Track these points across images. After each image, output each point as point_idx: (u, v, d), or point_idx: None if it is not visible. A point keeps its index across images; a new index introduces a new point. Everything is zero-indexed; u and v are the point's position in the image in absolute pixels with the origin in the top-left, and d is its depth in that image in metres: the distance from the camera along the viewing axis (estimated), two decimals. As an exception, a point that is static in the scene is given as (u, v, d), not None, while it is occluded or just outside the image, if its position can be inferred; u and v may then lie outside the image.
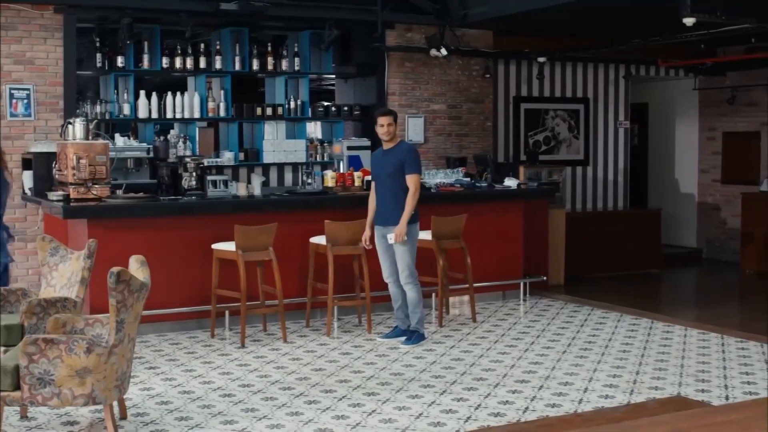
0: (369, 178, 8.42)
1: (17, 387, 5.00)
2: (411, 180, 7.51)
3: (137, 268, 5.44)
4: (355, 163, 10.17)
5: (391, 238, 7.50)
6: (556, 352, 7.34)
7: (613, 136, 13.13)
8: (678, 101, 14.16)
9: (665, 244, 13.48)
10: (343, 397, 6.04)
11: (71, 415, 5.62)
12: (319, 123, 11.62)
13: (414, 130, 10.94)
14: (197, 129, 10.47)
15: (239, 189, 8.98)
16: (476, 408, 5.77)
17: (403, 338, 7.71)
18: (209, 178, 9.02)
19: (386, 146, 7.72)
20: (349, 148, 10.49)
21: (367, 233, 7.80)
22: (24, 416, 5.58)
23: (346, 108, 10.92)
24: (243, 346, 7.52)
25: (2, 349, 5.70)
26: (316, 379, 6.51)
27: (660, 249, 12.51)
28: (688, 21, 7.97)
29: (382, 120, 7.65)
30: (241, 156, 10.44)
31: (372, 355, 7.27)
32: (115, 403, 5.44)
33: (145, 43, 9.84)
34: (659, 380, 6.44)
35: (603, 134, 13.05)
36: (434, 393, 6.13)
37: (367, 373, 6.69)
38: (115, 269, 5.01)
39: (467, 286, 8.60)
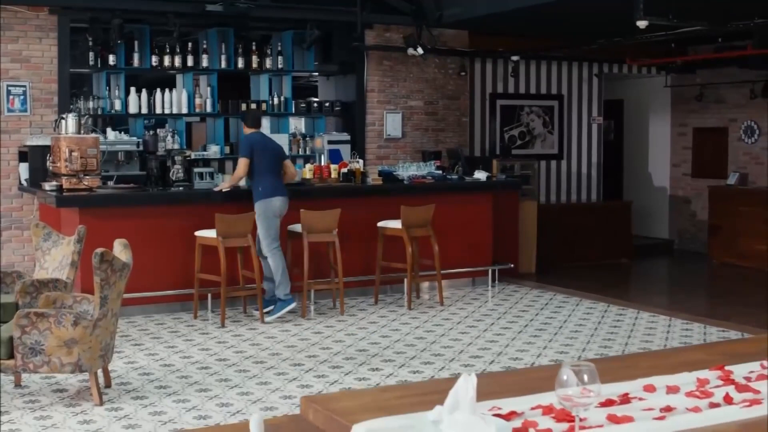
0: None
1: (11, 356, 5.57)
2: (239, 161, 8.62)
3: (120, 250, 6.00)
4: (335, 156, 10.74)
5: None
6: (513, 331, 7.91)
7: (586, 131, 13.67)
8: (651, 98, 14.71)
9: (639, 236, 14.06)
10: (310, 369, 6.61)
11: (60, 384, 6.19)
12: (302, 118, 12.13)
13: (392, 125, 11.49)
14: (192, 123, 11.04)
15: (224, 180, 9.54)
16: (429, 379, 6.34)
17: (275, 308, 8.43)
18: (196, 170, 9.57)
19: None
20: (330, 142, 11.08)
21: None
22: (18, 384, 6.14)
23: (327, 104, 11.48)
24: (223, 326, 8.09)
25: (-2, 324, 6.26)
26: (286, 354, 7.08)
27: (631, 240, 13.06)
28: (641, 24, 8.49)
29: None
30: (227, 149, 10.99)
31: (342, 334, 7.84)
32: (100, 373, 6.00)
33: (136, 43, 10.39)
34: (602, 356, 7.00)
35: (577, 130, 13.59)
36: (393, 366, 6.70)
37: (335, 349, 7.27)
38: (99, 250, 5.58)
39: (435, 272, 9.16)
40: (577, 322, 8.28)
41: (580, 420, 2.57)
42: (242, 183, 9.61)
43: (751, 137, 13.22)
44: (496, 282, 10.29)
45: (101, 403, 5.71)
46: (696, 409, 2.79)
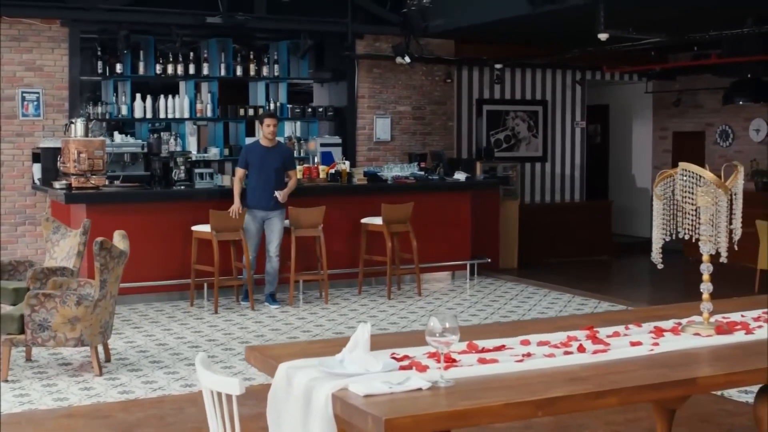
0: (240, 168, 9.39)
1: (22, 331, 6.36)
2: (295, 172, 9.42)
3: (119, 239, 6.78)
4: (327, 158, 11.51)
5: (280, 195, 9.13)
6: (480, 318, 8.66)
7: (570, 135, 14.38)
8: (634, 103, 15.43)
9: (622, 234, 14.77)
10: (288, 348, 7.37)
11: (66, 359, 6.98)
12: (297, 122, 12.89)
13: (382, 129, 12.25)
14: (200, 127, 11.81)
15: (223, 180, 10.32)
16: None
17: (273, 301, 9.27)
18: (197, 170, 10.35)
19: (267, 144, 9.15)
20: (322, 144, 11.85)
21: (239, 206, 9.12)
22: (28, 359, 6.93)
23: (321, 109, 12.26)
24: (216, 312, 8.87)
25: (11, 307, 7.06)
26: (269, 336, 7.86)
27: (611, 238, 13.76)
28: (602, 36, 9.21)
29: (272, 121, 9.14)
30: (226, 151, 11.78)
31: (323, 320, 8.60)
32: (101, 349, 6.78)
33: (141, 52, 11.20)
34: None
35: (561, 133, 14.30)
36: (364, 346, 7.45)
37: (314, 332, 8.04)
38: (99, 239, 6.36)
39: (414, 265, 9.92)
40: (540, 310, 9.02)
41: (448, 359, 3.35)
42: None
43: (725, 141, 13.91)
44: (475, 276, 11.02)
45: (101, 374, 6.50)
46: (551, 356, 3.55)
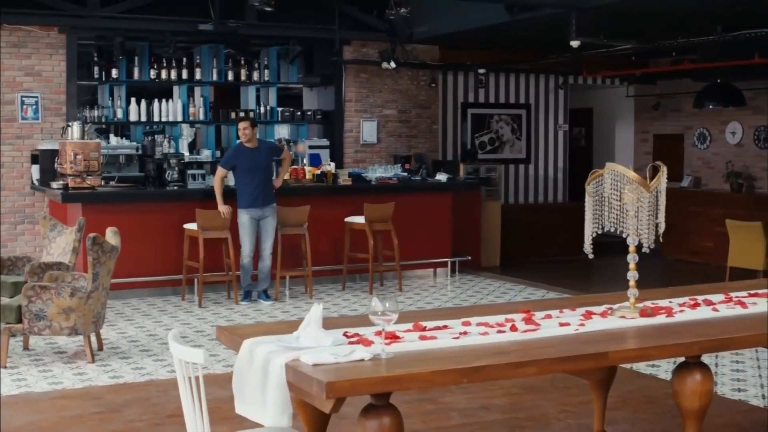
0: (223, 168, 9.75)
1: (20, 321, 6.81)
2: (286, 152, 10.21)
3: (111, 236, 7.24)
4: (315, 159, 11.97)
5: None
6: (455, 311, 9.11)
7: (553, 137, 14.83)
8: (617, 107, 15.89)
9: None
10: (271, 338, 7.83)
11: (61, 347, 7.44)
12: (287, 125, 13.33)
13: (368, 131, 12.70)
14: (195, 128, 12.27)
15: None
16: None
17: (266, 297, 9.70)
18: (189, 171, 10.81)
19: (250, 146, 9.55)
20: (311, 147, 12.31)
21: (228, 208, 9.49)
22: (26, 347, 7.39)
23: (309, 112, 12.72)
24: (200, 305, 9.32)
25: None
26: (254, 327, 8.31)
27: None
28: (574, 43, 9.65)
29: (244, 124, 9.60)
30: (218, 153, 12.23)
31: (306, 313, 9.02)
32: (93, 338, 7.24)
33: (136, 58, 11.66)
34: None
35: (544, 136, 14.76)
36: (342, 337, 7.91)
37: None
38: (91, 235, 6.82)
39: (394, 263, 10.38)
40: (514, 305, 9.47)
41: (393, 336, 3.80)
42: (232, 183, 10.83)
43: (703, 143, 14.36)
44: (456, 273, 11.47)
45: (93, 361, 6.96)
46: (485, 334, 4.00)
